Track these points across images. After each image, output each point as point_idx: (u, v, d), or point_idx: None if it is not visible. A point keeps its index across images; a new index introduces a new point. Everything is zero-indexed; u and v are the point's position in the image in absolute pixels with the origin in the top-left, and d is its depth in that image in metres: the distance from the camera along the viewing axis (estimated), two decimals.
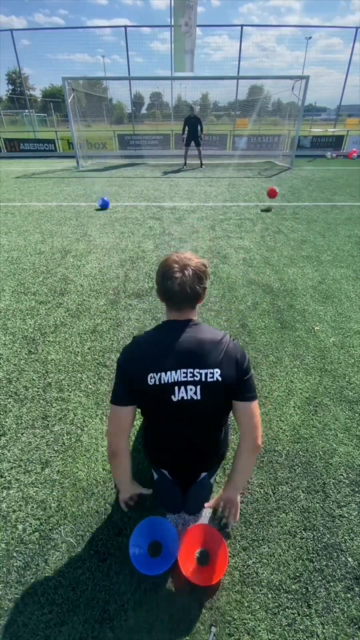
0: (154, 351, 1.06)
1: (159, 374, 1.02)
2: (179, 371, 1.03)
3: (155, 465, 1.35)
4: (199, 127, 9.56)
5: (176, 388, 1.04)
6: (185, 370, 1.03)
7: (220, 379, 1.03)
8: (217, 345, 1.05)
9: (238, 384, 1.07)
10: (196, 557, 1.20)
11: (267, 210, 5.74)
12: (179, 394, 1.04)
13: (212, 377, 1.03)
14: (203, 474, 1.31)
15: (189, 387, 1.04)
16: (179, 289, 1.02)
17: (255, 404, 1.11)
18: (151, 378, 1.03)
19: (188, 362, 1.03)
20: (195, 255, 1.09)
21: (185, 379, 1.03)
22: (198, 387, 1.04)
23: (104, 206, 5.82)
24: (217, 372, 1.03)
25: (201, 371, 1.03)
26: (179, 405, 1.05)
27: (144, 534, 1.22)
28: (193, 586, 1.12)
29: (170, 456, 1.26)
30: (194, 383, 1.03)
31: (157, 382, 1.03)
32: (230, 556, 1.22)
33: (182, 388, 1.04)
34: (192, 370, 1.03)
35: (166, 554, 1.19)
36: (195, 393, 1.04)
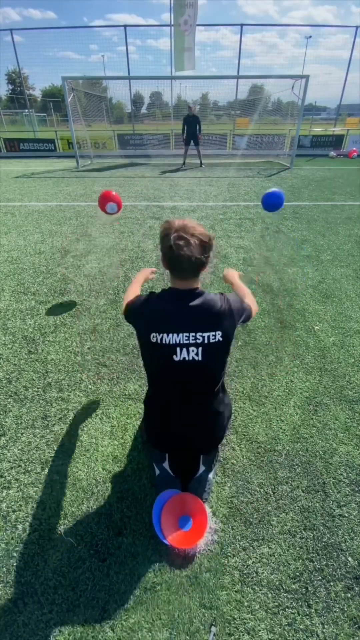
0: (157, 315, 1.13)
1: (161, 334, 1.09)
2: (181, 334, 1.09)
3: (155, 446, 1.37)
4: (197, 126, 9.60)
5: (178, 349, 1.10)
6: (187, 334, 1.09)
7: (221, 338, 1.11)
8: (217, 308, 1.13)
9: (236, 323, 1.18)
10: (178, 522, 1.25)
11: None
12: (181, 355, 1.11)
13: (214, 338, 1.10)
14: (202, 469, 1.32)
15: (191, 348, 1.10)
16: (184, 259, 1.05)
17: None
18: (153, 337, 1.10)
19: (190, 327, 1.10)
20: (198, 223, 1.11)
21: (187, 342, 1.10)
22: (200, 349, 1.10)
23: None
24: (219, 334, 1.10)
25: (204, 334, 1.10)
26: (180, 365, 1.12)
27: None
28: (194, 576, 1.12)
29: (169, 429, 1.28)
30: (196, 345, 1.10)
31: (159, 342, 1.09)
32: (230, 556, 1.22)
33: (184, 349, 1.10)
34: (194, 334, 1.09)
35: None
36: (197, 354, 1.11)
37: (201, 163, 10.66)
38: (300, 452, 1.60)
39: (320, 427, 1.73)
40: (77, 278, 3.31)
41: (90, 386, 1.99)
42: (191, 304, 1.11)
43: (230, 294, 1.24)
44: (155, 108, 26.21)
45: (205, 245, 1.08)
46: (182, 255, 1.04)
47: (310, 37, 22.03)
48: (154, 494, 1.36)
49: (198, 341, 1.10)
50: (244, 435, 1.68)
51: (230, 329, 1.15)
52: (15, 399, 1.89)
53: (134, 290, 1.36)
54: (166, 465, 1.33)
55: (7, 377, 2.05)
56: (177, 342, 1.09)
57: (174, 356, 1.11)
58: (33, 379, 2.03)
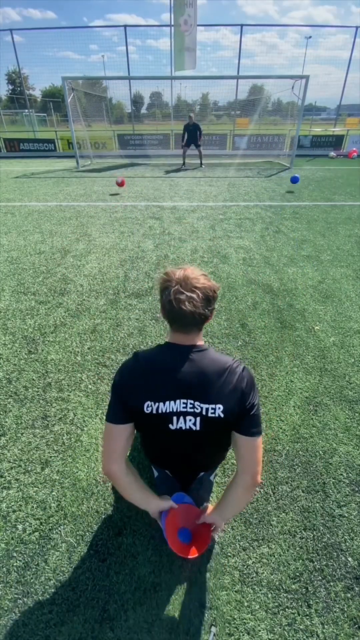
0: (152, 378, 0.98)
1: (156, 403, 0.97)
2: (178, 401, 0.97)
3: (156, 466, 1.35)
4: (198, 133, 9.89)
5: (174, 418, 0.98)
6: (185, 401, 0.97)
7: (222, 415, 0.96)
8: (223, 377, 0.96)
9: (242, 419, 0.98)
10: (178, 534, 1.17)
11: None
12: (177, 424, 0.99)
13: (214, 413, 0.96)
14: (202, 473, 1.31)
15: (188, 417, 0.98)
16: (186, 313, 0.93)
17: (259, 440, 1.00)
18: (148, 406, 0.97)
19: (189, 394, 0.96)
20: (201, 272, 0.99)
21: (184, 410, 0.97)
22: (198, 419, 0.98)
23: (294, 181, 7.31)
24: (219, 408, 0.95)
25: (202, 405, 0.96)
26: (176, 433, 1.01)
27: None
28: (195, 577, 1.12)
29: (170, 462, 1.25)
30: (194, 415, 0.98)
31: (154, 412, 0.97)
32: (230, 556, 1.22)
33: (181, 418, 0.98)
34: (192, 402, 0.97)
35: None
36: (194, 424, 0.99)
37: (201, 163, 10.70)
38: (300, 452, 1.60)
39: (320, 427, 1.73)
40: (77, 278, 3.31)
41: (90, 386, 1.99)
42: (191, 364, 0.97)
43: (247, 370, 1.02)
44: (155, 108, 26.23)
45: (210, 298, 0.97)
46: (183, 310, 0.93)
47: (310, 37, 22.07)
48: (156, 493, 1.35)
49: (196, 411, 0.97)
50: None
51: (236, 406, 0.96)
52: (15, 399, 1.89)
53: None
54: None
55: (7, 377, 2.05)
56: (174, 410, 0.97)
57: (170, 425, 0.99)
58: (33, 379, 2.03)
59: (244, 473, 1.02)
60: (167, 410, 0.97)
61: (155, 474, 1.35)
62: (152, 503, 1.12)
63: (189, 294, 0.93)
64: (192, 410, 0.97)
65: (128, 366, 1.02)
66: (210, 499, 1.38)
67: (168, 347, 1.03)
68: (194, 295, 0.93)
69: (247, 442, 0.99)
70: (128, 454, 1.51)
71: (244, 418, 0.98)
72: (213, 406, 0.95)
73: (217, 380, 0.96)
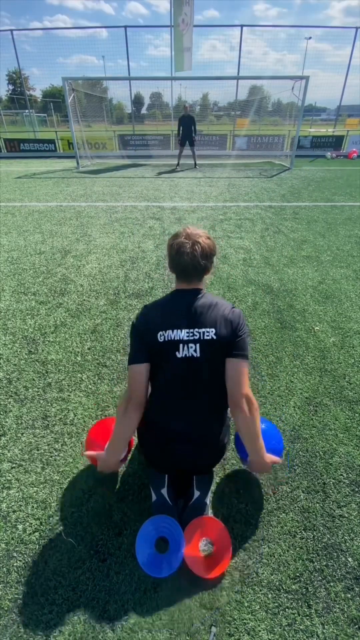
0: (164, 313, 1.21)
1: (167, 331, 1.16)
2: (183, 330, 1.16)
3: (154, 465, 1.32)
4: (192, 127, 9.54)
5: (181, 345, 1.16)
6: (188, 330, 1.16)
7: (215, 337, 1.15)
8: (216, 309, 1.18)
9: (231, 342, 1.17)
10: (200, 548, 1.20)
11: None
12: (183, 351, 1.16)
13: (208, 335, 1.15)
14: (196, 494, 1.27)
15: (190, 344, 1.15)
16: (189, 264, 1.16)
17: (244, 363, 1.18)
18: (161, 335, 1.16)
19: (190, 323, 1.16)
20: (203, 231, 1.22)
21: (187, 338, 1.15)
22: (197, 345, 1.15)
23: None
24: (212, 332, 1.15)
25: (200, 330, 1.16)
26: (182, 362, 1.16)
27: (148, 536, 1.20)
28: (196, 577, 1.12)
29: (168, 441, 1.21)
30: (194, 341, 1.15)
31: (166, 339, 1.15)
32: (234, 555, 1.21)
33: (185, 346, 1.16)
34: (192, 329, 1.16)
35: (174, 549, 1.17)
36: (195, 351, 1.15)
37: (195, 164, 10.59)
38: (300, 453, 1.60)
39: (320, 428, 1.73)
40: (77, 278, 3.32)
41: (90, 386, 1.99)
42: (192, 302, 1.19)
43: (237, 310, 1.24)
44: (156, 109, 26.26)
45: (210, 253, 1.20)
46: (185, 260, 1.16)
47: (310, 37, 22.04)
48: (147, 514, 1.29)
49: (195, 337, 1.16)
50: None
51: (226, 331, 1.17)
52: (15, 399, 1.89)
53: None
54: (164, 491, 1.28)
55: (8, 377, 2.05)
56: (180, 338, 1.15)
57: (177, 352, 1.16)
58: (33, 379, 2.03)
59: (234, 395, 1.17)
60: (176, 338, 1.15)
61: (153, 497, 1.30)
62: (109, 461, 1.27)
63: (191, 248, 1.16)
64: (192, 337, 1.16)
65: (143, 312, 1.25)
66: (210, 513, 1.33)
67: (175, 293, 1.26)
68: (197, 248, 1.16)
69: (233, 363, 1.17)
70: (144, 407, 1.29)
71: (232, 343, 1.17)
72: (207, 330, 1.16)
73: (211, 311, 1.18)
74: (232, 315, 1.19)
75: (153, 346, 1.17)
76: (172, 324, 1.17)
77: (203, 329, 1.16)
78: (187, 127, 9.58)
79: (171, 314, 1.20)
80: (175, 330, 1.16)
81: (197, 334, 1.16)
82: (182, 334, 1.16)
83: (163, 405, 1.23)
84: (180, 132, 9.70)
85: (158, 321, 1.19)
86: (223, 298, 1.26)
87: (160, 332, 1.16)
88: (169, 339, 1.16)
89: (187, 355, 1.16)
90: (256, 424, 1.17)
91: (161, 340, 1.16)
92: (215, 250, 1.22)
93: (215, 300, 1.22)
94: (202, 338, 1.15)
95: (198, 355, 1.16)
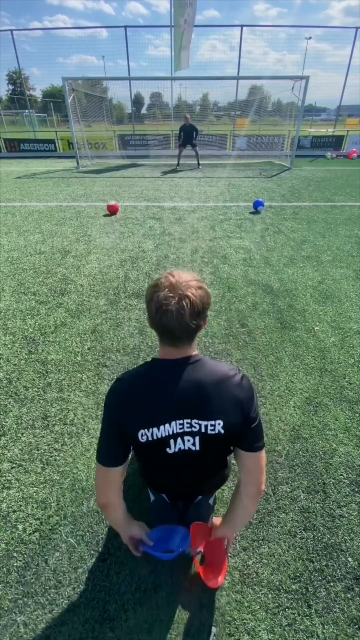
0: (145, 399, 0.87)
1: (150, 429, 0.87)
2: (173, 423, 0.88)
3: (153, 489, 1.26)
4: (194, 134, 9.90)
5: (172, 441, 0.90)
6: (182, 422, 0.88)
7: (222, 431, 0.88)
8: (221, 388, 0.87)
9: (244, 434, 0.91)
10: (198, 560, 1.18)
11: None
12: (176, 446, 0.91)
13: (214, 430, 0.88)
14: (199, 497, 1.22)
15: (186, 437, 0.90)
16: (175, 326, 0.82)
17: (262, 454, 0.95)
18: (142, 435, 0.87)
19: (185, 412, 0.87)
20: (193, 275, 0.87)
21: (182, 430, 0.89)
22: (197, 438, 0.90)
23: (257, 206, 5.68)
24: (219, 424, 0.87)
25: (201, 422, 0.88)
26: (175, 456, 0.93)
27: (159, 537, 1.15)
28: (196, 585, 1.12)
29: (169, 485, 1.16)
30: (192, 434, 0.90)
31: (150, 439, 0.88)
32: (230, 556, 1.21)
33: (179, 439, 0.90)
34: (189, 420, 0.88)
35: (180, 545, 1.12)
36: (193, 444, 0.91)
37: (199, 163, 10.65)
38: (300, 453, 1.60)
39: (320, 428, 1.73)
40: (77, 278, 3.32)
41: (90, 386, 1.99)
42: (184, 378, 0.87)
43: (246, 379, 0.93)
44: (156, 109, 26.29)
45: (202, 307, 0.85)
46: (170, 321, 0.81)
47: (310, 37, 22.05)
48: (147, 516, 1.27)
49: (194, 429, 0.88)
50: None
51: (237, 420, 0.88)
52: (15, 399, 1.89)
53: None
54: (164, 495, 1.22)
55: (8, 377, 2.05)
56: (170, 433, 0.88)
57: (167, 449, 0.91)
58: (33, 379, 2.03)
59: (249, 484, 0.98)
60: (163, 435, 0.88)
61: (152, 498, 1.28)
62: (126, 533, 1.10)
63: (176, 305, 0.80)
64: (190, 429, 0.89)
65: (117, 392, 0.91)
66: (210, 520, 1.30)
67: (158, 365, 0.92)
68: (184, 304, 0.80)
69: (251, 457, 0.94)
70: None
71: (246, 433, 0.91)
72: (212, 422, 0.87)
73: (215, 393, 0.87)
74: (241, 392, 0.88)
75: (133, 443, 0.91)
76: (157, 419, 0.87)
77: (206, 422, 0.87)
78: (189, 135, 9.88)
79: (155, 400, 0.87)
80: (162, 427, 0.87)
81: (197, 426, 0.88)
82: (173, 427, 0.88)
83: (155, 477, 1.15)
84: (182, 138, 9.96)
85: (136, 413, 0.87)
86: (221, 361, 1.04)
87: (142, 432, 0.87)
88: (155, 438, 0.88)
89: (183, 448, 0.91)
90: (252, 513, 1.11)
91: (143, 441, 0.88)
92: (209, 301, 0.88)
93: (214, 370, 0.89)
94: (204, 431, 0.88)
95: (197, 449, 0.91)
